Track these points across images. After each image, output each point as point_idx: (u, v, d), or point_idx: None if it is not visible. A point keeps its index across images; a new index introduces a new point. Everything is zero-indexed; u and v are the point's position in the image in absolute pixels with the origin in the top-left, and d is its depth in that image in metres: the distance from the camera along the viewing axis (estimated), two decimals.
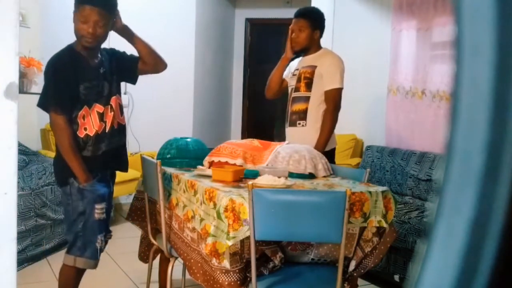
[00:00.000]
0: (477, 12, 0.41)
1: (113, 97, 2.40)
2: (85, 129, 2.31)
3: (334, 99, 2.91)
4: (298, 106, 2.98)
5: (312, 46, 3.02)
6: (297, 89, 3.02)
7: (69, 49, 2.32)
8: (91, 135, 2.32)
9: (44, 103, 2.29)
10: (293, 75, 3.09)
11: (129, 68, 2.50)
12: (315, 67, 2.95)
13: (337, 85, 2.91)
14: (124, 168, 2.58)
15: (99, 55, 2.38)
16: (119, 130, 2.45)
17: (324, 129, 2.90)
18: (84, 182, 2.26)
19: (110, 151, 2.40)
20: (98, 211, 2.31)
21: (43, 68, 2.41)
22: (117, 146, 2.46)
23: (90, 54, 2.34)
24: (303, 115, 2.96)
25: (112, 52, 2.48)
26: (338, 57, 3.00)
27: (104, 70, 2.38)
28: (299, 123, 2.98)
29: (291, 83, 3.09)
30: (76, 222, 2.29)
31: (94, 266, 2.36)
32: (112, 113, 2.39)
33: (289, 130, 3.06)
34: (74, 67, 2.29)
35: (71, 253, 2.31)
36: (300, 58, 3.11)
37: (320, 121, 2.93)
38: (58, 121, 2.23)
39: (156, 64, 2.52)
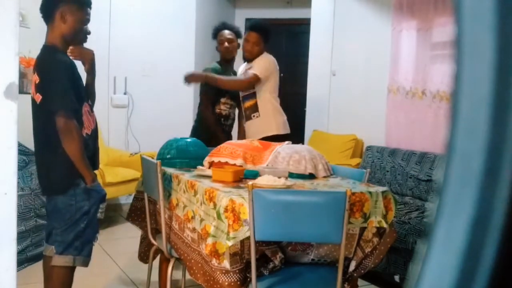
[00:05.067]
0: (477, 12, 0.41)
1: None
2: (84, 127, 2.27)
3: (250, 79, 3.44)
4: (249, 103, 3.54)
5: (259, 54, 3.55)
6: None
7: (56, 49, 2.26)
8: (89, 133, 2.30)
9: (50, 106, 2.16)
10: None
11: None
12: (251, 67, 3.50)
13: (255, 71, 3.44)
14: (97, 167, 2.50)
15: None
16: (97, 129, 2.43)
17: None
18: (92, 182, 2.24)
19: (97, 150, 2.40)
20: (101, 210, 2.31)
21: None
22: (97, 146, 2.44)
23: None
24: (255, 108, 3.51)
25: None
26: (268, 59, 3.55)
27: None
28: (253, 115, 3.53)
29: None
30: (78, 222, 2.25)
31: (88, 263, 2.35)
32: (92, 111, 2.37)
33: (247, 124, 3.60)
34: (74, 66, 2.26)
35: (68, 253, 2.25)
36: (245, 63, 3.67)
37: (269, 109, 3.49)
38: (70, 126, 2.14)
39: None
